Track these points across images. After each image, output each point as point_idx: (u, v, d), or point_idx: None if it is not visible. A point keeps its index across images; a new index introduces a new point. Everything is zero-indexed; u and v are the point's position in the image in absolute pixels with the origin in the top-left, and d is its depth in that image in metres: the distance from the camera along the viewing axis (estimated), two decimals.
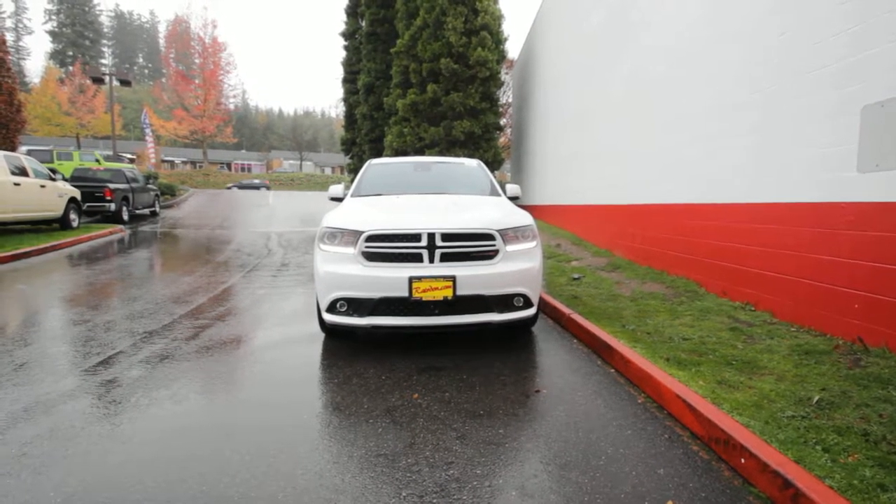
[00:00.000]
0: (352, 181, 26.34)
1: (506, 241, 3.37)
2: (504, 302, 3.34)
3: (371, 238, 3.25)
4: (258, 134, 73.81)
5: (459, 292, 3.17)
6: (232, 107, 46.06)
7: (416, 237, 3.23)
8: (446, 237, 3.24)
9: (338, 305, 3.30)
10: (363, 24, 20.47)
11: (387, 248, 3.24)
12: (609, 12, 7.62)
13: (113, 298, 5.15)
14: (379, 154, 19.76)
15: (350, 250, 3.29)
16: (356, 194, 4.49)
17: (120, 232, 11.57)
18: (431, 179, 4.84)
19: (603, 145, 7.83)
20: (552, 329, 4.09)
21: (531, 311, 3.45)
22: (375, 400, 2.66)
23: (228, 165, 58.53)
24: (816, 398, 2.40)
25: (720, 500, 1.77)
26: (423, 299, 3.15)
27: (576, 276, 5.96)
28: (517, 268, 3.36)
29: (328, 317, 3.34)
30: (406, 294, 3.14)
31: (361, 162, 23.67)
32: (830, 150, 3.27)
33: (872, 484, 1.68)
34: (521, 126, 16.91)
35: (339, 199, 4.70)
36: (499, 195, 4.57)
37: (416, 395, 2.72)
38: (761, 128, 4.03)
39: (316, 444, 2.18)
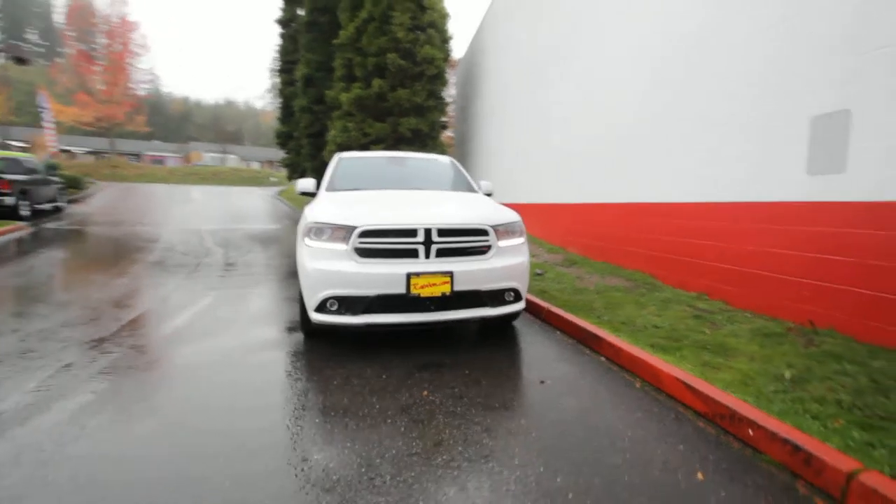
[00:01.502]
0: (296, 176, 25.00)
1: (498, 236, 3.41)
2: (497, 296, 3.38)
3: (365, 234, 3.14)
4: (173, 123, 67.93)
5: (457, 288, 3.17)
6: (143, 93, 42.01)
7: (412, 233, 3.17)
8: (442, 233, 3.22)
9: (328, 304, 3.15)
10: (301, 12, 19.62)
11: (382, 243, 3.15)
12: (554, 33, 7.98)
13: (39, 305, 4.49)
14: (320, 149, 19.05)
15: (341, 246, 3.16)
16: (331, 188, 4.31)
17: (23, 229, 10.10)
18: (408, 175, 4.77)
19: (553, 147, 8.17)
20: (532, 322, 4.21)
21: (521, 305, 3.53)
22: (385, 399, 2.58)
23: (138, 157, 53.29)
24: (788, 375, 2.70)
25: (739, 469, 1.94)
26: (421, 296, 3.11)
27: (538, 271, 6.17)
28: (509, 263, 3.41)
29: (317, 316, 3.17)
30: (403, 290, 3.08)
31: (299, 157, 22.66)
32: (779, 156, 3.69)
33: (862, 443, 1.93)
34: (466, 125, 17.16)
35: (311, 194, 4.49)
36: (475, 191, 4.61)
37: (425, 392, 2.68)
38: (722, 133, 4.45)
39: (342, 446, 2.07)
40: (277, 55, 22.35)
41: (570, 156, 7.53)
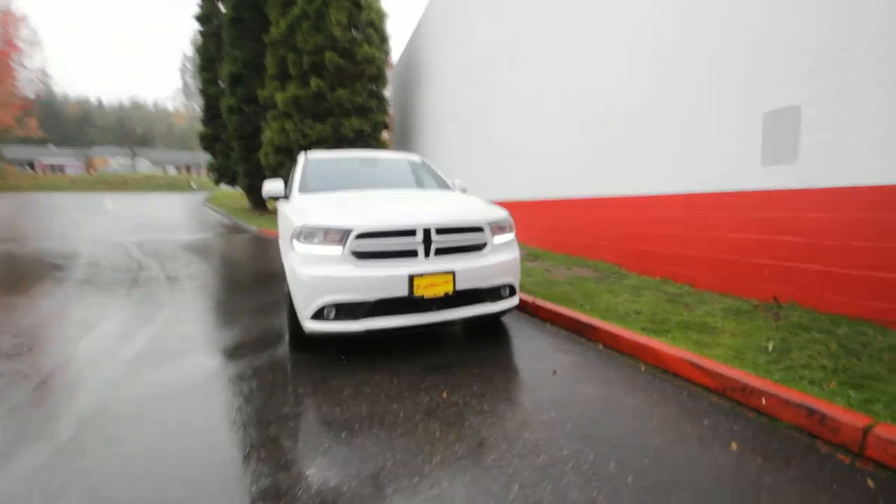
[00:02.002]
0: (225, 181, 23.16)
1: (492, 232, 3.42)
2: (494, 293, 3.38)
3: (362, 235, 2.99)
4: (70, 127, 60.87)
5: (458, 286, 3.12)
6: (32, 94, 37.28)
7: (410, 232, 3.08)
8: (441, 231, 3.16)
9: (325, 312, 2.97)
10: (223, 7, 18.41)
11: (380, 245, 3.02)
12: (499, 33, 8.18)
13: None
14: (252, 151, 18.00)
15: (336, 250, 2.99)
16: (305, 190, 4.07)
17: None
18: (383, 175, 4.63)
19: (504, 147, 8.35)
20: (519, 317, 4.27)
21: (517, 300, 3.55)
22: (406, 405, 2.48)
23: (32, 165, 47.16)
24: (770, 347, 2.97)
25: (763, 436, 2.09)
26: (425, 296, 3.03)
27: None
28: (504, 258, 3.43)
29: (313, 325, 2.98)
30: (406, 293, 2.98)
31: (228, 161, 21.24)
32: (736, 150, 4.04)
33: (860, 401, 2.16)
34: (406, 126, 17.01)
35: (280, 197, 4.23)
36: (450, 189, 4.58)
37: (445, 394, 2.61)
38: (681, 130, 4.78)
39: (381, 457, 1.95)
40: (197, 53, 20.71)
41: (517, 155, 7.74)
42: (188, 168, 59.87)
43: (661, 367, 2.89)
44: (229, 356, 3.34)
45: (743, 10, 3.95)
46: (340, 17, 13.83)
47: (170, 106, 74.57)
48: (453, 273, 3.10)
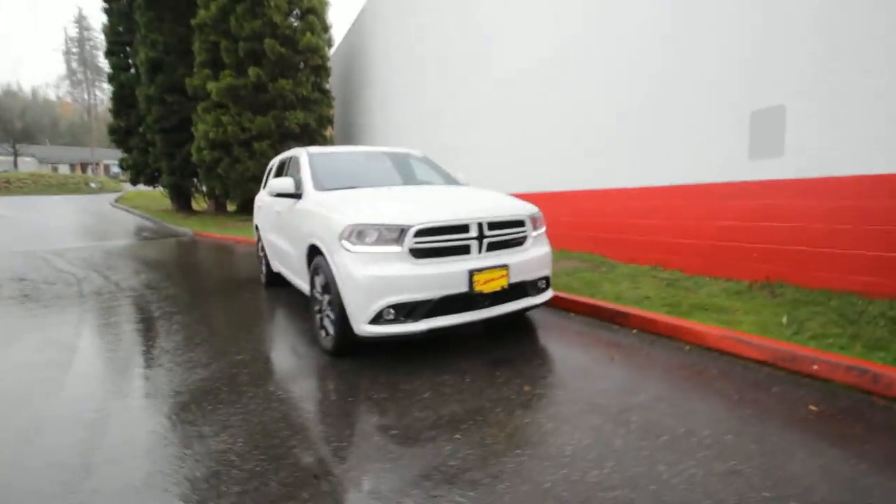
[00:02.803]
0: (142, 179, 20.95)
1: (533, 226, 3.48)
2: (536, 285, 3.46)
3: (420, 232, 2.91)
4: None
5: (512, 280, 3.16)
6: None
7: (465, 228, 3.05)
8: (493, 226, 3.16)
9: (384, 314, 2.85)
10: None
11: (437, 241, 2.96)
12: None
13: None
14: (178, 146, 16.44)
15: (394, 248, 2.88)
16: (321, 188, 3.85)
17: None
18: (398, 171, 4.51)
19: (478, 146, 8.45)
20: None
21: (551, 292, 3.65)
22: (496, 400, 2.47)
23: None
24: (785, 320, 3.35)
25: (830, 398, 2.37)
26: (484, 292, 3.02)
27: None
28: (542, 251, 3.51)
29: (372, 329, 2.85)
30: (466, 289, 2.96)
31: (144, 156, 19.13)
32: (724, 144, 4.46)
33: (891, 359, 2.53)
34: (348, 120, 16.42)
35: (292, 195, 3.96)
36: (460, 184, 4.57)
37: (527, 388, 2.63)
38: (672, 125, 5.15)
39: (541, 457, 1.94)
40: (105, 34, 18.38)
41: (490, 149, 7.89)
42: (84, 166, 53.14)
43: (704, 345, 3.14)
44: (284, 373, 3.09)
45: (736, 18, 4.36)
46: (280, 1, 13.01)
47: (52, 95, 65.49)
48: (507, 267, 3.12)
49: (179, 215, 18.29)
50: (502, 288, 3.10)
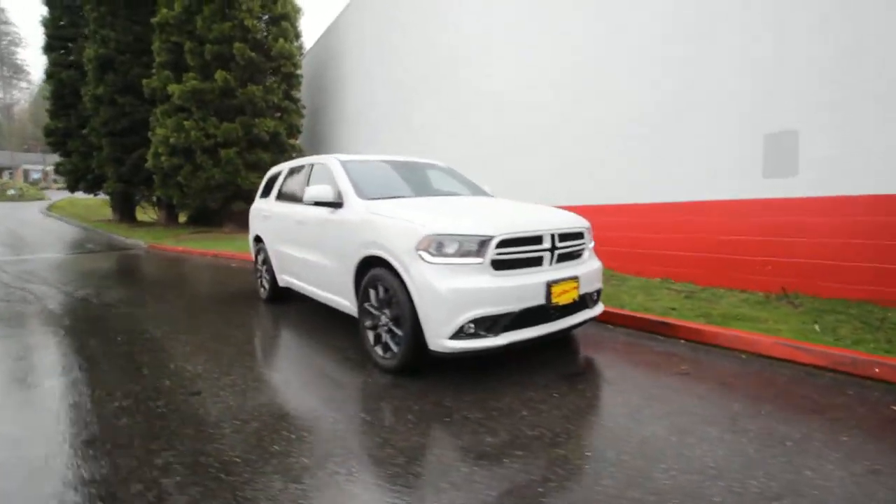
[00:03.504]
0: (82, 186, 19.29)
1: (589, 238, 3.51)
2: (593, 297, 3.47)
3: (502, 244, 2.84)
4: None
5: (581, 291, 3.15)
6: None
7: (539, 239, 3.02)
8: (563, 237, 3.15)
9: (464, 328, 2.74)
10: None
11: (517, 253, 2.91)
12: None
13: None
14: (128, 151, 15.19)
15: (476, 260, 2.79)
16: (364, 196, 3.67)
17: None
18: (430, 181, 4.41)
19: (472, 156, 8.49)
20: None
21: (602, 305, 3.69)
22: (602, 415, 2.43)
23: None
24: (818, 328, 3.59)
25: (889, 400, 2.54)
26: (559, 304, 2.99)
27: None
28: (598, 264, 3.55)
29: (453, 344, 2.72)
30: (544, 301, 2.91)
31: (86, 161, 17.43)
32: (736, 165, 4.77)
33: None
34: (317, 129, 15.96)
35: (332, 204, 3.74)
36: (488, 195, 4.55)
37: (634, 400, 2.61)
38: (686, 145, 5.43)
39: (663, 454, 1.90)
40: (44, 27, 16.79)
41: (481, 162, 7.96)
42: None
43: (758, 353, 3.29)
44: (356, 395, 2.86)
45: (748, 48, 4.71)
46: (253, 5, 12.52)
47: None
48: (578, 279, 3.12)
49: (124, 226, 16.84)
50: (573, 300, 3.09)
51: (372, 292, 3.21)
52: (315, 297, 4.28)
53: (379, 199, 3.65)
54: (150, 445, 2.19)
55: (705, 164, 5.08)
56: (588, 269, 3.32)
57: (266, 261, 5.36)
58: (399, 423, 2.40)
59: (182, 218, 18.22)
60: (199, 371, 3.16)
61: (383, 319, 3.13)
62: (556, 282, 2.96)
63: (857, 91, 4.00)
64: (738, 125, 4.78)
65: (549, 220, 3.20)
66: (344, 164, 4.12)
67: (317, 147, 15.96)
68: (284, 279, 4.99)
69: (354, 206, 3.58)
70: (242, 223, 14.54)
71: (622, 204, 5.93)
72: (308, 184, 4.52)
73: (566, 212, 3.63)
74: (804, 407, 2.50)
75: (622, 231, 5.95)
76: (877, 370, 2.78)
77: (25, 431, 2.39)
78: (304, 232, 4.27)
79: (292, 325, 4.42)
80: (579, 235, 3.35)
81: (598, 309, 3.50)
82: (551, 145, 6.89)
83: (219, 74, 12.33)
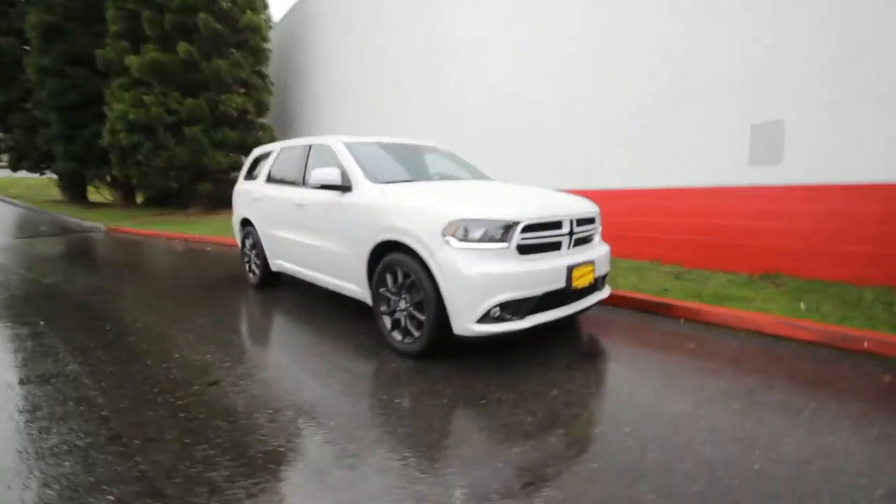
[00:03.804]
0: (28, 164, 17.93)
1: (599, 223, 3.60)
2: (602, 281, 3.57)
3: (527, 228, 2.87)
4: None
5: (596, 274, 3.24)
6: None
7: (559, 224, 3.06)
8: (580, 222, 3.21)
9: (490, 312, 2.77)
10: None
11: (540, 238, 2.94)
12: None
13: None
14: (79, 128, 14.10)
15: (501, 244, 2.80)
16: (374, 180, 3.58)
17: None
18: (437, 165, 4.36)
19: (463, 142, 8.43)
20: None
21: (609, 287, 3.80)
22: (630, 390, 2.53)
23: None
24: (803, 306, 3.85)
25: (890, 368, 2.78)
26: (578, 287, 3.06)
27: None
28: (606, 248, 3.64)
29: (479, 328, 2.74)
30: (564, 284, 2.97)
31: (31, 137, 16.00)
32: (728, 153, 4.98)
33: None
34: (287, 107, 15.33)
35: (340, 187, 3.64)
36: (490, 179, 4.55)
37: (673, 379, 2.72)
38: (673, 132, 5.58)
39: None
40: None
41: (472, 149, 7.94)
42: None
43: (756, 331, 3.50)
44: (378, 379, 2.84)
45: (745, 43, 4.87)
46: None
47: None
48: (594, 262, 3.20)
49: (76, 207, 15.74)
50: (590, 283, 3.17)
51: (389, 277, 3.18)
52: (316, 283, 4.18)
53: (390, 182, 3.58)
54: (185, 439, 2.11)
55: (698, 153, 5.28)
56: (600, 252, 3.41)
57: (255, 245, 5.18)
58: (436, 407, 2.41)
59: (139, 199, 17.20)
60: (209, 360, 3.05)
61: (402, 304, 3.11)
62: (576, 266, 3.02)
63: (851, 89, 4.25)
64: (730, 116, 4.98)
65: (568, 205, 3.24)
66: (349, 146, 4.00)
67: (286, 126, 15.36)
68: (278, 264, 4.84)
69: (366, 189, 3.50)
70: (210, 205, 13.89)
71: (615, 189, 6.08)
72: (307, 166, 4.37)
73: (579, 197, 3.69)
74: (810, 379, 2.70)
75: (615, 216, 6.09)
76: (865, 344, 3.03)
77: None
78: (306, 216, 4.14)
79: (292, 311, 4.31)
80: (592, 220, 3.43)
81: (606, 291, 3.61)
82: (547, 135, 6.94)
83: (181, 46, 11.58)
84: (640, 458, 1.93)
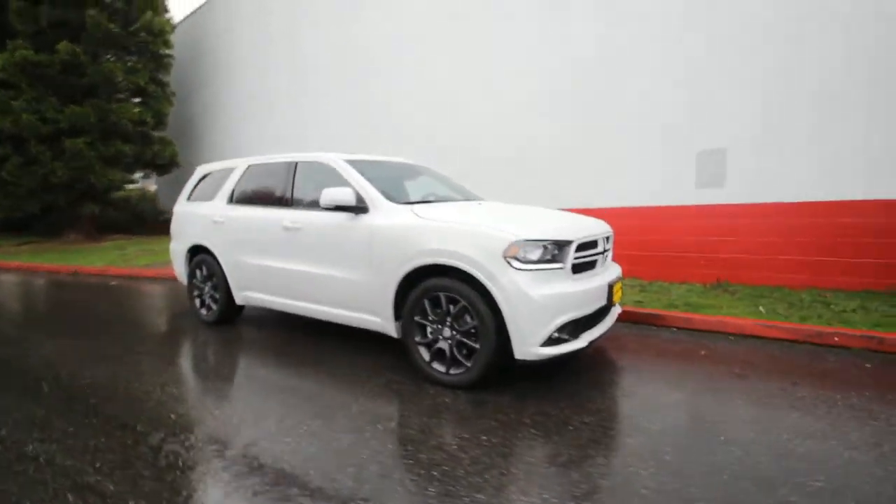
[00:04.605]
0: None
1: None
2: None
3: (579, 248, 2.90)
4: None
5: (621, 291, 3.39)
6: None
7: (596, 243, 3.15)
8: (607, 240, 3.34)
9: (552, 334, 2.74)
10: None
11: (585, 256, 3.00)
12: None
13: None
14: None
15: (558, 265, 2.79)
16: (392, 199, 3.37)
17: None
18: (433, 184, 4.24)
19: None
20: None
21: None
22: (679, 407, 2.65)
23: None
24: (763, 309, 4.42)
25: (862, 358, 3.29)
26: (614, 303, 3.17)
27: None
28: (617, 265, 3.83)
29: (544, 351, 2.69)
30: (605, 301, 3.06)
31: None
32: (678, 177, 5.60)
33: (870, 325, 3.66)
34: (185, 120, 13.78)
35: (354, 209, 3.34)
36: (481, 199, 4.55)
37: (673, 394, 2.87)
38: (625, 159, 6.09)
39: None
40: None
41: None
42: None
43: (742, 334, 3.92)
44: (435, 432, 2.58)
45: (693, 79, 5.55)
46: None
47: None
48: (621, 279, 3.34)
49: None
50: (620, 299, 3.30)
51: (428, 304, 2.97)
52: (309, 315, 3.77)
53: (408, 203, 3.39)
54: None
55: (651, 176, 5.87)
56: (618, 269, 3.58)
57: (213, 276, 4.52)
58: (530, 438, 2.28)
59: None
60: (234, 421, 2.53)
61: (447, 332, 2.92)
62: (614, 282, 3.14)
63: (785, 121, 5.08)
64: (679, 144, 5.63)
65: (595, 224, 3.35)
66: (353, 164, 3.71)
67: (188, 141, 13.78)
68: (246, 296, 4.27)
69: (389, 210, 3.26)
70: (94, 231, 11.77)
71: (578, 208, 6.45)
72: (294, 185, 3.96)
73: (591, 217, 3.85)
74: (817, 374, 3.08)
75: None
76: (836, 339, 3.58)
77: None
78: (299, 240, 3.72)
79: (280, 352, 3.76)
80: (610, 238, 3.59)
81: (619, 307, 3.78)
82: (488, 158, 7.16)
83: (63, 45, 9.83)
84: (735, 461, 2.01)
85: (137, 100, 11.95)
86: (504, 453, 2.16)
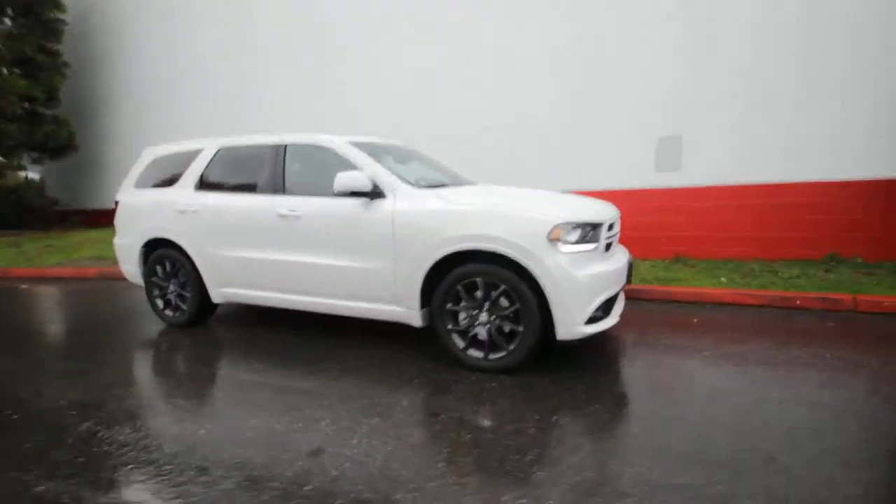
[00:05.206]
0: None
1: None
2: None
3: (609, 228, 3.00)
4: None
5: None
6: None
7: (612, 225, 3.25)
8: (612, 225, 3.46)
9: (594, 313, 2.82)
10: None
11: (609, 237, 3.09)
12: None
13: None
14: None
15: (593, 245, 2.86)
16: (410, 183, 3.22)
17: None
18: (434, 167, 4.10)
19: None
20: None
21: None
22: (702, 374, 2.89)
23: None
24: (723, 279, 4.91)
25: (821, 316, 3.78)
26: (630, 282, 3.33)
27: None
28: None
29: (587, 329, 2.76)
30: (625, 280, 3.20)
31: None
32: (638, 161, 5.98)
33: (825, 288, 4.23)
34: (87, 100, 11.88)
35: (368, 194, 3.13)
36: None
37: (706, 351, 3.12)
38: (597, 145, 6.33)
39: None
40: None
41: None
42: None
43: (719, 302, 4.32)
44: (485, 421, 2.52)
45: (656, 76, 5.89)
46: None
47: None
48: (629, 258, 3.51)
49: None
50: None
51: (462, 290, 2.89)
52: (306, 309, 3.52)
53: (428, 188, 3.26)
54: None
55: (613, 161, 6.20)
56: (626, 249, 3.75)
57: (180, 272, 4.01)
58: (599, 420, 2.33)
59: None
60: (280, 429, 2.28)
61: (483, 317, 2.87)
62: (631, 263, 3.29)
63: (740, 110, 5.60)
64: (640, 130, 6.00)
65: (610, 206, 3.47)
66: (360, 146, 3.47)
67: (89, 120, 11.86)
68: (225, 293, 3.86)
69: (411, 196, 3.09)
70: None
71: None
72: (284, 170, 3.62)
73: (600, 199, 3.97)
74: (796, 334, 3.50)
75: None
76: (798, 302, 4.09)
77: None
78: (301, 229, 3.41)
79: (288, 355, 3.47)
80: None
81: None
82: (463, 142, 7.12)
83: None
84: (772, 419, 2.25)
85: (17, 71, 10.08)
86: (587, 430, 2.18)
